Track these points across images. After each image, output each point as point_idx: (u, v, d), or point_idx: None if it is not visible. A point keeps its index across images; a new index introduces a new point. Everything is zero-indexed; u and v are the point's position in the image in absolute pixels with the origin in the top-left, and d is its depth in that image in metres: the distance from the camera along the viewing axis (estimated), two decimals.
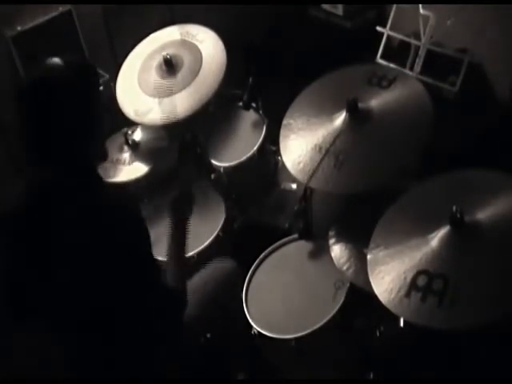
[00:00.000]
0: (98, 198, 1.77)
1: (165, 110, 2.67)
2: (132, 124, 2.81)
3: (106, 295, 1.79)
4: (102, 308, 1.81)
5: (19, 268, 1.83)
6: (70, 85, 1.72)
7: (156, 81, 2.78)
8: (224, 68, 2.73)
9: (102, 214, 1.74)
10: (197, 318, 2.14)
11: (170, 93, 2.71)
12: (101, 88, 3.07)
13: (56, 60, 1.74)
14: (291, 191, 2.76)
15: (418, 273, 1.82)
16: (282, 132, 2.37)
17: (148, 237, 1.81)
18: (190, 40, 2.87)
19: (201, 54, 2.81)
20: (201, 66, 2.77)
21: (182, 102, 2.70)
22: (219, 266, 2.34)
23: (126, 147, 2.81)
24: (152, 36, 2.99)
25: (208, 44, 2.83)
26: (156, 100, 2.74)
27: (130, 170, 2.75)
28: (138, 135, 2.85)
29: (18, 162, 2.83)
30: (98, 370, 1.91)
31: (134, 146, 2.81)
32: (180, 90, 2.73)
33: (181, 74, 2.77)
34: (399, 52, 3.02)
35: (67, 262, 1.76)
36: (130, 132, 2.81)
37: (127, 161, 2.77)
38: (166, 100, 2.72)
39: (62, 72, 1.73)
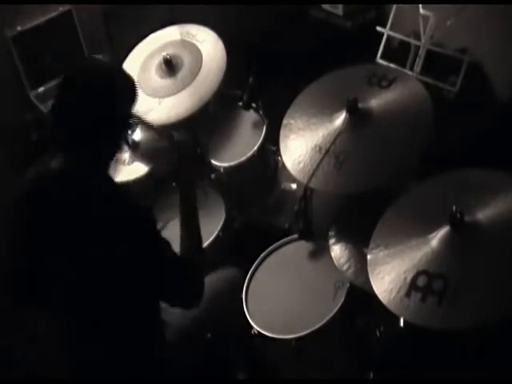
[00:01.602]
0: (107, 190, 1.79)
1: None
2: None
3: (110, 293, 1.80)
4: (105, 305, 1.81)
5: (24, 256, 1.84)
6: (109, 82, 1.79)
7: (156, 81, 2.78)
8: (224, 68, 2.73)
9: (110, 206, 1.76)
10: (197, 318, 2.14)
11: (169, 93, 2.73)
12: None
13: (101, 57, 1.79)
14: (291, 191, 2.75)
15: (418, 273, 1.82)
16: (282, 132, 2.37)
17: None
18: (189, 40, 2.87)
19: (201, 54, 2.81)
20: (201, 66, 2.77)
21: (182, 102, 2.69)
22: (219, 268, 2.34)
23: (125, 147, 2.80)
24: (152, 36, 2.99)
25: (208, 44, 2.83)
26: (156, 100, 2.74)
27: (129, 170, 2.75)
28: (137, 135, 2.85)
29: (18, 162, 2.83)
30: (97, 370, 1.91)
31: (134, 146, 2.80)
32: (180, 90, 2.73)
33: (181, 74, 2.77)
34: (399, 52, 3.02)
35: (69, 258, 1.77)
36: (129, 132, 2.81)
37: (127, 161, 2.77)
38: (166, 100, 2.73)
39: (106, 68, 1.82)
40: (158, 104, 2.71)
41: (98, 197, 1.78)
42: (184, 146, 2.06)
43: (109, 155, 1.90)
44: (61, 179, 1.79)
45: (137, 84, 1.86)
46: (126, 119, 1.88)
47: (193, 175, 2.03)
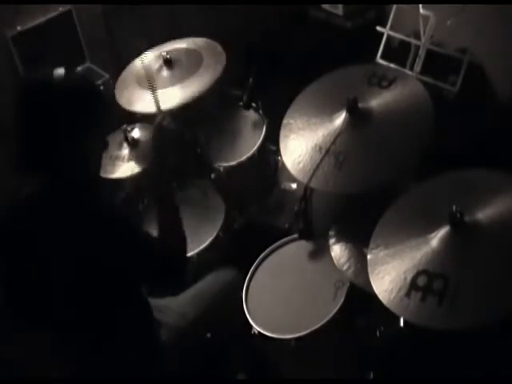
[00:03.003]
0: (86, 207, 1.76)
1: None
2: (131, 122, 2.81)
3: (102, 298, 1.79)
4: (99, 309, 1.81)
5: (13, 275, 1.83)
6: (68, 98, 1.72)
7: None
8: (222, 70, 2.72)
9: (91, 223, 1.73)
10: (197, 318, 2.15)
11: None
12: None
13: (60, 70, 1.74)
14: (291, 191, 2.76)
15: (418, 273, 1.82)
16: (282, 132, 2.37)
17: (144, 244, 1.81)
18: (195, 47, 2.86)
19: (201, 55, 2.80)
20: (200, 65, 2.77)
21: (175, 94, 2.69)
22: (219, 268, 2.34)
23: (125, 144, 2.81)
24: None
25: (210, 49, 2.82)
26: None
27: (128, 166, 2.75)
28: (136, 133, 2.85)
29: (18, 164, 2.82)
30: (97, 370, 1.91)
31: (133, 143, 2.81)
32: (174, 84, 2.72)
33: (178, 70, 2.77)
34: (399, 52, 3.03)
35: (58, 271, 1.75)
36: (129, 129, 2.81)
37: (126, 157, 2.77)
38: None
39: (61, 82, 1.74)
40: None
41: (74, 214, 1.74)
42: (168, 134, 1.99)
43: (85, 168, 1.83)
44: (37, 202, 1.77)
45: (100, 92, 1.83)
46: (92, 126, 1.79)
47: (166, 168, 1.94)
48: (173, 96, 2.66)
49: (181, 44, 2.94)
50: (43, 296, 1.81)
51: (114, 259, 1.73)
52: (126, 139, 2.80)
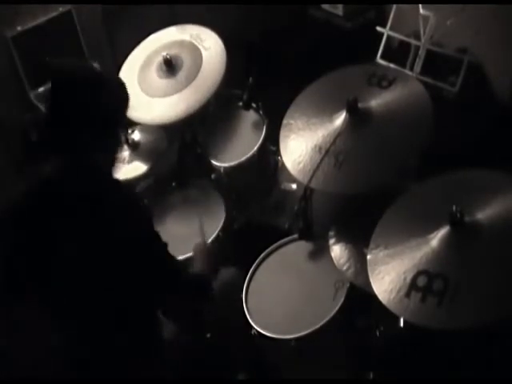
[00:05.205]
0: (101, 193, 1.79)
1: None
2: (131, 123, 2.81)
3: (109, 291, 1.80)
4: (104, 304, 1.82)
5: (20, 264, 1.84)
6: (96, 92, 1.80)
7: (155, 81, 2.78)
8: (223, 72, 2.72)
9: (104, 210, 1.76)
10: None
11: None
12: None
13: (91, 65, 1.81)
14: (291, 191, 2.76)
15: (418, 273, 1.82)
16: (282, 132, 2.37)
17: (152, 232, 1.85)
18: (196, 44, 2.86)
19: (201, 56, 2.80)
20: (200, 68, 2.76)
21: (179, 103, 2.69)
22: (219, 269, 2.34)
23: (125, 146, 2.81)
24: (161, 33, 2.97)
25: (212, 51, 2.81)
26: (153, 99, 2.74)
27: (129, 168, 2.75)
28: (137, 135, 2.85)
29: (18, 162, 2.83)
30: (97, 370, 1.91)
31: (134, 146, 2.81)
32: (178, 91, 2.72)
33: (180, 75, 2.77)
34: (399, 52, 3.03)
35: (69, 259, 1.77)
36: (129, 131, 2.81)
37: (126, 159, 2.77)
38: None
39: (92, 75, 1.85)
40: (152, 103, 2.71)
41: (99, 196, 1.79)
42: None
43: (108, 154, 1.90)
44: (60, 182, 1.79)
45: (125, 85, 1.90)
46: (118, 118, 1.89)
47: None
48: (176, 107, 2.68)
49: (180, 34, 2.94)
50: (45, 278, 1.83)
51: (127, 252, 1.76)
52: (127, 141, 2.80)
